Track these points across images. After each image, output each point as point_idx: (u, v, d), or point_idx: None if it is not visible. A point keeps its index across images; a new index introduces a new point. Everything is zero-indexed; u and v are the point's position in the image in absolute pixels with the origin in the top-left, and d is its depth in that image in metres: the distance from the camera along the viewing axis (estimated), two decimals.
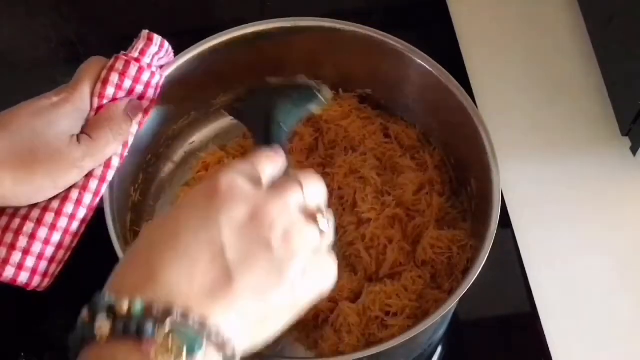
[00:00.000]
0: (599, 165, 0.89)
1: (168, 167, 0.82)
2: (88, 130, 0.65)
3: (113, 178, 0.68)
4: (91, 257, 0.68)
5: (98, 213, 0.68)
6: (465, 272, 0.70)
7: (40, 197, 0.65)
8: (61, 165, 0.63)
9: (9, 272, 0.64)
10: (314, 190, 0.54)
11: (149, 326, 0.45)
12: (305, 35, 0.78)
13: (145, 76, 0.68)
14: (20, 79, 0.91)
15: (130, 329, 0.45)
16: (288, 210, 0.51)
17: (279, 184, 0.53)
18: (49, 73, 0.89)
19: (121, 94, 0.67)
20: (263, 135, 0.63)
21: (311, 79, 0.81)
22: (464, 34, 0.96)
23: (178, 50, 0.75)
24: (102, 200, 0.68)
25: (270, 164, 0.55)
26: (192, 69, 0.76)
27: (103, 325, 0.45)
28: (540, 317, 0.80)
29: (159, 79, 0.70)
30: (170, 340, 0.45)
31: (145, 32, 0.69)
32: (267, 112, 0.64)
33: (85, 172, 0.66)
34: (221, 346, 0.46)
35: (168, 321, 0.45)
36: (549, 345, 0.79)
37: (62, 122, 0.64)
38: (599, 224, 0.86)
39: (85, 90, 0.66)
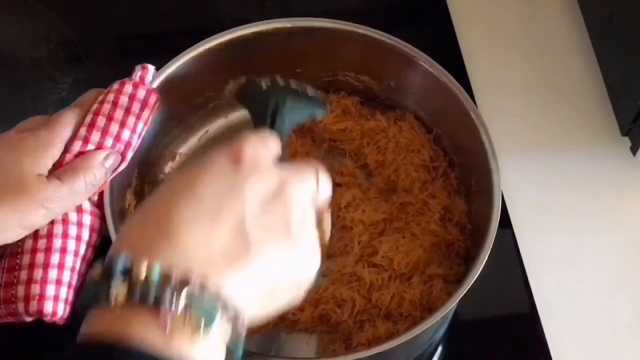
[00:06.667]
0: (599, 165, 0.89)
1: (167, 169, 0.82)
2: (61, 173, 0.62)
3: (113, 180, 0.68)
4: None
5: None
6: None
7: (7, 236, 0.61)
8: (28, 203, 0.60)
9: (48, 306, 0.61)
10: (324, 184, 0.55)
11: (166, 296, 0.44)
12: (305, 35, 0.78)
13: (141, 93, 0.68)
14: (20, 79, 0.91)
15: (148, 298, 0.44)
16: (307, 197, 0.52)
17: (299, 167, 0.54)
18: (49, 73, 0.90)
19: (119, 111, 0.66)
20: (267, 123, 0.65)
21: (311, 79, 0.82)
22: (464, 34, 0.96)
23: (178, 50, 0.75)
24: (101, 202, 0.67)
25: (276, 145, 0.56)
26: (191, 69, 0.76)
27: (119, 290, 0.45)
28: (540, 317, 0.80)
29: (155, 99, 0.69)
30: (187, 312, 0.44)
31: (139, 66, 0.69)
32: (276, 104, 0.66)
33: (53, 216, 0.62)
34: (233, 317, 0.46)
35: (185, 292, 0.45)
36: (549, 345, 0.79)
37: (26, 159, 0.61)
38: (599, 224, 0.86)
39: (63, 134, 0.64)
